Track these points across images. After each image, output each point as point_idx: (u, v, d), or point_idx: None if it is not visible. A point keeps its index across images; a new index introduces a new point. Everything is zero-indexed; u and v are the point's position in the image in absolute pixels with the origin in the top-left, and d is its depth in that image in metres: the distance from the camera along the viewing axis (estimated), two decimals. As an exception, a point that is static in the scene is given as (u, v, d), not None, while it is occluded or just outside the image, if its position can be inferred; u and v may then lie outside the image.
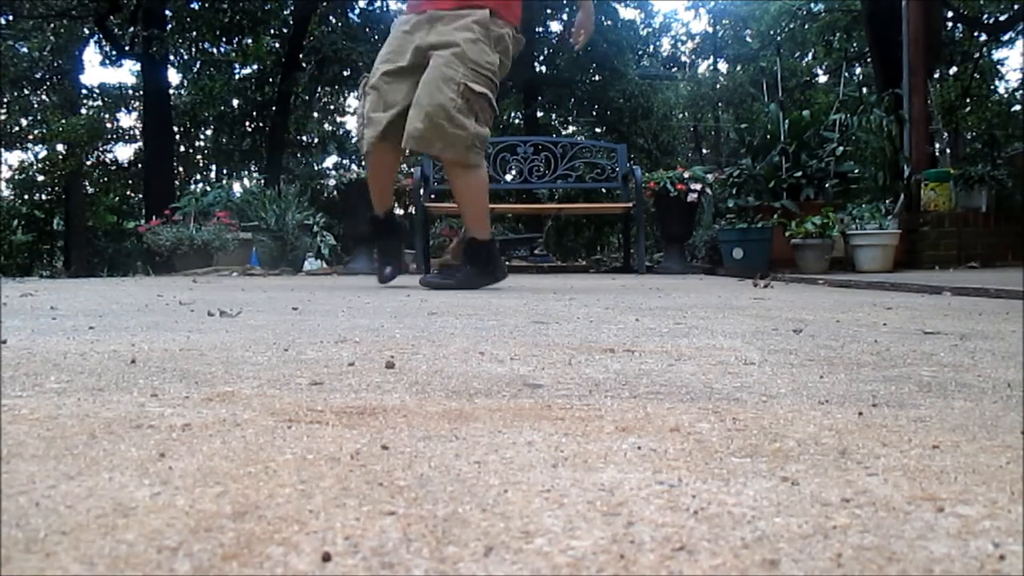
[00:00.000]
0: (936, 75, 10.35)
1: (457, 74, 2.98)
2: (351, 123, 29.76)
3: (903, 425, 0.75)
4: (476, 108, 3.02)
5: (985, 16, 13.62)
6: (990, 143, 10.84)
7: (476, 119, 3.03)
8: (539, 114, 17.52)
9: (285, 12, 15.18)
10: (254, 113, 17.31)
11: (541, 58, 18.01)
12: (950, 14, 12.13)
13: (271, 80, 15.99)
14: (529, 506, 0.50)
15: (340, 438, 0.69)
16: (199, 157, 20.33)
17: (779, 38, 18.23)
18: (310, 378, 0.99)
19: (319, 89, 17.19)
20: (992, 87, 17.23)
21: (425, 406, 0.83)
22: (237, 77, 17.02)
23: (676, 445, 0.66)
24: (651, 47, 23.05)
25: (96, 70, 52.71)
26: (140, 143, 17.17)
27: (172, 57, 14.44)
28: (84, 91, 18.06)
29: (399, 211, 10.20)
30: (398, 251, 3.59)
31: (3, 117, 16.58)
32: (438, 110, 2.95)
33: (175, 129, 15.10)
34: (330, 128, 19.60)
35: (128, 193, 20.58)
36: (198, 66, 16.49)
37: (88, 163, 17.88)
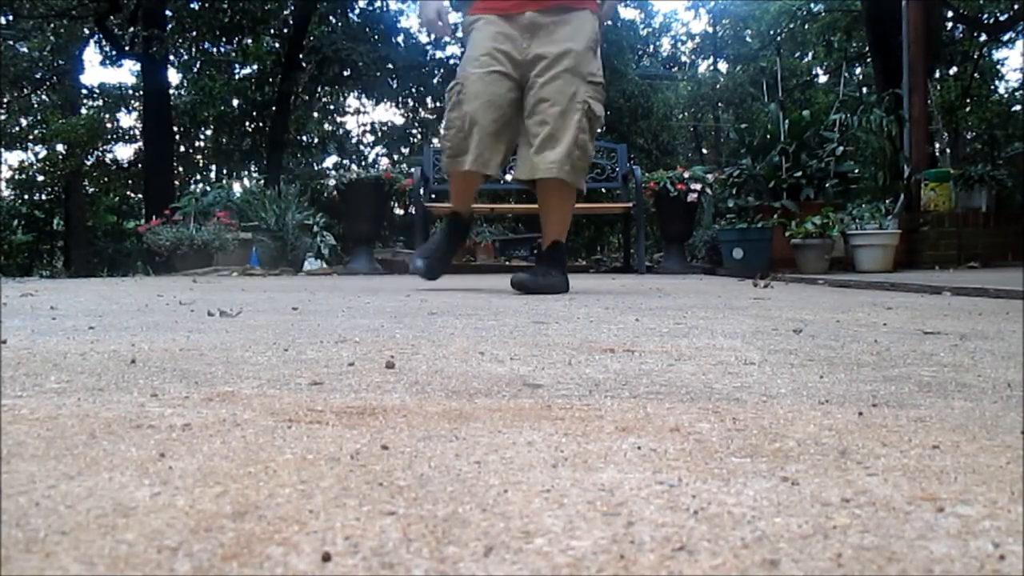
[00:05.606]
0: (936, 75, 10.35)
1: (580, 92, 2.74)
2: (351, 123, 29.72)
3: (903, 425, 0.74)
4: (595, 129, 2.81)
5: (985, 16, 13.60)
6: (990, 143, 10.84)
7: (592, 139, 2.82)
8: (539, 114, 17.47)
9: (285, 12, 15.18)
10: (254, 113, 17.29)
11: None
12: (950, 14, 12.12)
13: (271, 80, 15.98)
14: (529, 506, 0.50)
15: (340, 438, 0.68)
16: (199, 157, 20.30)
17: (779, 38, 18.24)
18: (310, 378, 0.99)
19: (319, 89, 17.17)
20: (992, 87, 17.22)
21: (425, 406, 0.83)
22: (237, 77, 17.02)
23: (676, 445, 0.66)
24: (651, 47, 23.07)
25: (96, 70, 52.69)
26: (140, 143, 17.14)
27: (172, 57, 14.43)
28: (84, 91, 18.03)
29: (399, 211, 10.19)
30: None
31: (3, 117, 16.57)
32: (572, 146, 2.73)
33: (175, 129, 15.09)
34: (330, 128, 19.59)
35: (128, 193, 20.55)
36: (198, 66, 16.48)
37: (88, 163, 17.85)
